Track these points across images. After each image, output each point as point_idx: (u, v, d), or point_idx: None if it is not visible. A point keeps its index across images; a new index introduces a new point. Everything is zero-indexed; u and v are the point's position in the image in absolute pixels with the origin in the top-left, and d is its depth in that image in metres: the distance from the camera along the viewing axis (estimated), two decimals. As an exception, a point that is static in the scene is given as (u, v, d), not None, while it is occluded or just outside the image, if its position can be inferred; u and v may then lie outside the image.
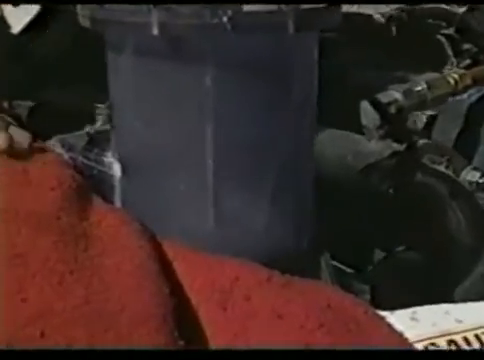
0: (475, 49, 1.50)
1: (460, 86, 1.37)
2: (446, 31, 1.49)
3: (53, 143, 1.08)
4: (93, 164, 1.08)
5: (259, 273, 0.86)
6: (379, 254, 1.31)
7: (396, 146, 1.26)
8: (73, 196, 0.89)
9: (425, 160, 1.28)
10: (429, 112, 1.33)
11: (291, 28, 0.98)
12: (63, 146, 1.08)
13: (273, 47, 1.02)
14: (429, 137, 1.32)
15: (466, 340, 0.84)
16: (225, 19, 0.95)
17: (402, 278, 1.27)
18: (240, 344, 0.80)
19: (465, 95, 1.36)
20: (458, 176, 1.27)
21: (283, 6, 0.97)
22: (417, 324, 0.86)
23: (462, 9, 1.50)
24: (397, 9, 1.46)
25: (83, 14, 1.06)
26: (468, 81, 1.38)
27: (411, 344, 0.82)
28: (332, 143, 1.27)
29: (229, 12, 0.95)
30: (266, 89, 1.03)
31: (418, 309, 0.88)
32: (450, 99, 1.36)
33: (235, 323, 0.81)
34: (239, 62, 1.00)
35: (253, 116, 1.03)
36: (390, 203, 1.25)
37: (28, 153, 0.92)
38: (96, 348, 0.71)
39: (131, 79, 1.04)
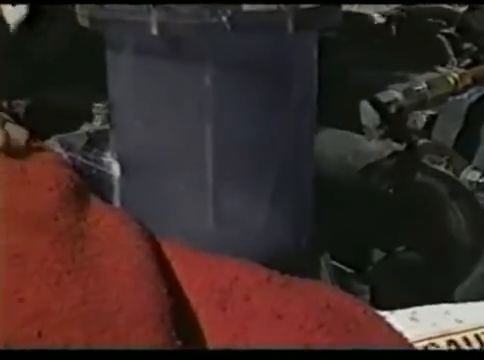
0: (475, 48, 1.50)
1: (460, 86, 1.37)
2: (446, 30, 1.49)
3: (52, 142, 1.08)
4: (92, 164, 1.08)
5: (259, 273, 0.86)
6: (379, 254, 1.30)
7: (396, 146, 1.25)
8: (71, 196, 0.88)
9: (425, 160, 1.28)
10: (429, 112, 1.33)
11: (290, 27, 0.98)
12: (62, 146, 1.08)
13: (273, 47, 1.02)
14: (429, 137, 1.32)
15: (466, 340, 0.84)
16: (224, 19, 0.95)
17: (402, 278, 1.27)
18: (239, 344, 0.79)
19: (465, 95, 1.35)
20: (458, 176, 1.27)
21: (282, 5, 0.97)
22: (417, 324, 0.86)
23: (462, 8, 1.49)
24: (397, 8, 1.45)
25: (82, 14, 1.06)
26: (468, 81, 1.38)
27: (411, 344, 0.81)
28: (332, 143, 1.27)
29: (228, 12, 0.95)
30: (266, 89, 1.03)
31: (418, 309, 0.88)
32: (450, 99, 1.35)
33: (234, 323, 0.81)
34: (238, 62, 1.00)
35: (253, 116, 1.03)
36: (390, 203, 1.25)
37: (25, 150, 0.92)
38: (93, 348, 0.71)
39: (130, 79, 1.04)
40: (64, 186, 0.89)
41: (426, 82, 1.34)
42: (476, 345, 0.84)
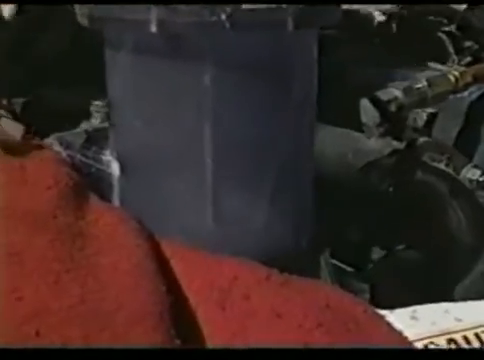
0: (476, 46, 1.50)
1: (461, 84, 1.37)
2: (447, 28, 1.49)
3: (51, 141, 1.08)
4: (91, 162, 1.08)
5: (258, 272, 0.86)
6: (379, 253, 1.30)
7: (396, 144, 1.25)
8: (70, 194, 0.88)
9: (425, 158, 1.28)
10: (429, 110, 1.33)
11: (290, 25, 0.98)
12: (61, 144, 1.07)
13: (272, 45, 1.01)
14: (429, 135, 1.32)
15: (466, 339, 0.84)
16: (224, 17, 0.94)
17: (402, 277, 1.27)
18: (239, 343, 0.79)
19: (466, 93, 1.35)
20: (458, 174, 1.27)
21: (282, 3, 0.97)
22: (417, 323, 0.86)
23: (463, 6, 1.49)
24: (397, 6, 1.45)
25: (81, 12, 1.05)
26: (469, 79, 1.38)
27: (411, 343, 0.81)
28: (332, 141, 1.27)
29: (228, 10, 0.94)
30: (265, 87, 1.02)
31: (418, 308, 0.88)
32: (451, 97, 1.35)
33: (234, 322, 0.81)
34: (238, 60, 1.00)
35: (252, 115, 1.02)
36: (390, 201, 1.25)
37: (22, 145, 0.92)
38: (92, 347, 0.71)
39: (129, 77, 1.04)
40: (63, 184, 0.89)
41: (426, 80, 1.34)
42: (476, 344, 0.83)
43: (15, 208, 0.84)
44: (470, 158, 1.30)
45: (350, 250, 1.27)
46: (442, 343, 0.83)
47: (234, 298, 0.82)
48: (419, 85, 1.32)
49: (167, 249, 0.87)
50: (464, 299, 0.94)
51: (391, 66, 1.38)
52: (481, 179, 1.26)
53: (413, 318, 0.86)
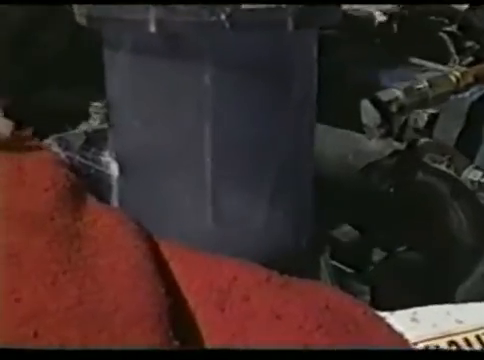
0: (477, 47, 1.49)
1: (462, 84, 1.36)
2: (448, 28, 1.48)
3: (50, 142, 1.07)
4: (90, 163, 1.08)
5: (258, 273, 0.85)
6: (379, 254, 1.30)
7: (397, 145, 1.25)
8: (67, 196, 0.88)
9: (426, 159, 1.28)
10: (430, 110, 1.33)
11: (290, 25, 0.97)
12: (60, 145, 1.07)
13: (272, 45, 1.01)
14: (430, 136, 1.32)
15: (467, 341, 0.83)
16: (223, 17, 0.94)
17: (402, 278, 1.26)
18: (238, 344, 0.79)
19: (467, 93, 1.35)
20: (460, 175, 1.26)
21: (282, 3, 0.97)
22: (417, 325, 0.85)
23: (464, 6, 1.49)
24: (398, 6, 1.45)
25: (80, 12, 1.05)
26: (470, 79, 1.37)
27: (411, 345, 0.81)
28: (332, 142, 1.27)
29: (227, 10, 0.94)
30: (265, 87, 1.02)
31: (418, 310, 0.87)
32: (452, 97, 1.35)
33: (233, 323, 0.81)
34: (238, 60, 1.00)
35: (252, 115, 1.02)
36: (391, 202, 1.25)
37: (12, 142, 0.92)
38: (90, 348, 0.71)
39: (128, 77, 1.03)
40: (60, 186, 0.89)
41: (427, 80, 1.33)
42: (477, 346, 0.83)
43: (13, 209, 0.84)
44: (471, 159, 1.30)
45: (350, 251, 1.27)
46: (443, 345, 0.83)
47: (234, 299, 0.82)
48: (420, 85, 1.32)
49: (166, 250, 0.87)
50: (465, 301, 0.93)
51: (392, 66, 1.38)
52: (482, 180, 1.25)
53: (414, 320, 0.86)
